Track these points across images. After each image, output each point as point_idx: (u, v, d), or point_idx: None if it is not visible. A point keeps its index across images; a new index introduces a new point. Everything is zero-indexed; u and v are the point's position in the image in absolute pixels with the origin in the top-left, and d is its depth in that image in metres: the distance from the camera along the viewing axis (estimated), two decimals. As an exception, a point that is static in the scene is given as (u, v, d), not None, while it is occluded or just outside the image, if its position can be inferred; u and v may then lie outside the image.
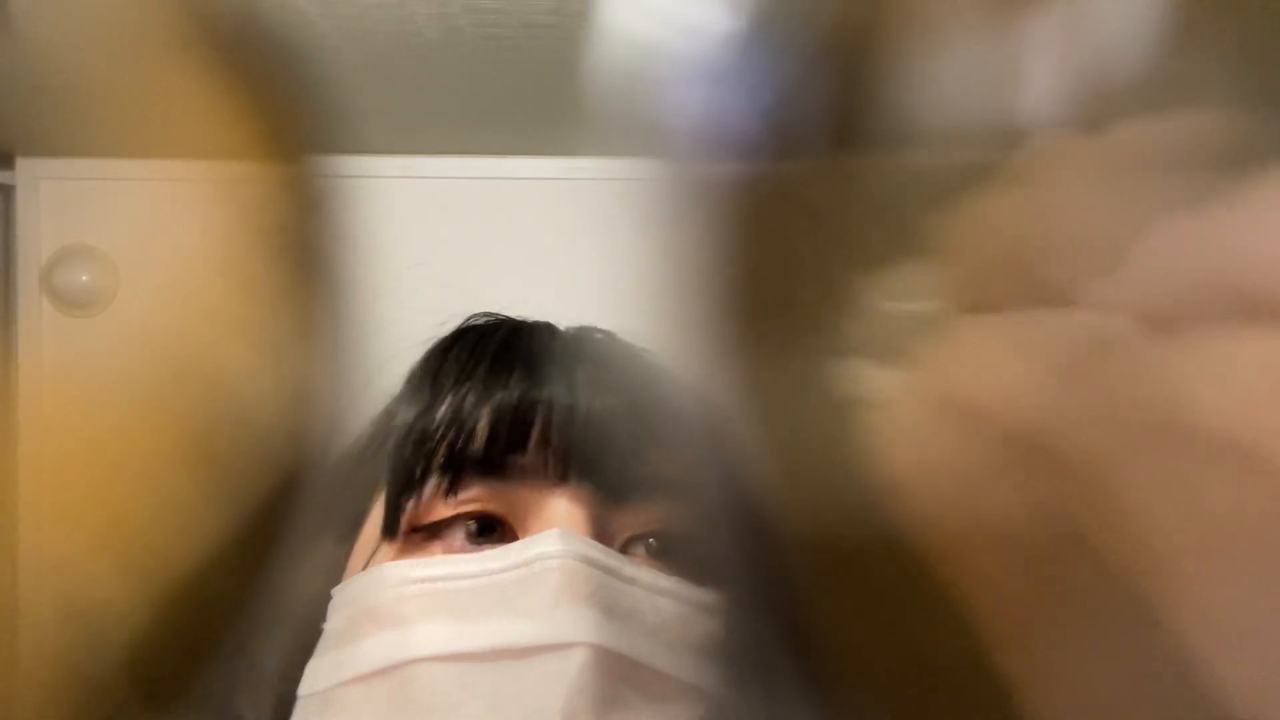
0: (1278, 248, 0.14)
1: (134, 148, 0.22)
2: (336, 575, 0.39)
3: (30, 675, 0.21)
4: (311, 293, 0.23)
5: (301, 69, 0.23)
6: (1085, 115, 0.16)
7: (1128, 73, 0.16)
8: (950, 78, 0.17)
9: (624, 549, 0.38)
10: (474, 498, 0.38)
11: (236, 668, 0.23)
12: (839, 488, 0.19)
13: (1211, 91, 0.16)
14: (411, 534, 0.38)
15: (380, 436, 0.41)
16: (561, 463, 0.38)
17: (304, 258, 0.22)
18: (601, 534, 0.37)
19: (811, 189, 0.19)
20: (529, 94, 1.37)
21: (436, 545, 0.37)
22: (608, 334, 0.43)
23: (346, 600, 0.37)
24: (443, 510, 0.37)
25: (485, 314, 0.44)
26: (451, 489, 0.37)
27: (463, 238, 1.46)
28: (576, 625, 0.34)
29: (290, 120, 0.22)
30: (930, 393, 0.18)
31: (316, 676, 0.36)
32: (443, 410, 0.39)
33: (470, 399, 0.38)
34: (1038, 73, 0.17)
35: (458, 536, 0.37)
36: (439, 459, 0.37)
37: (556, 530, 0.36)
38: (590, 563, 0.35)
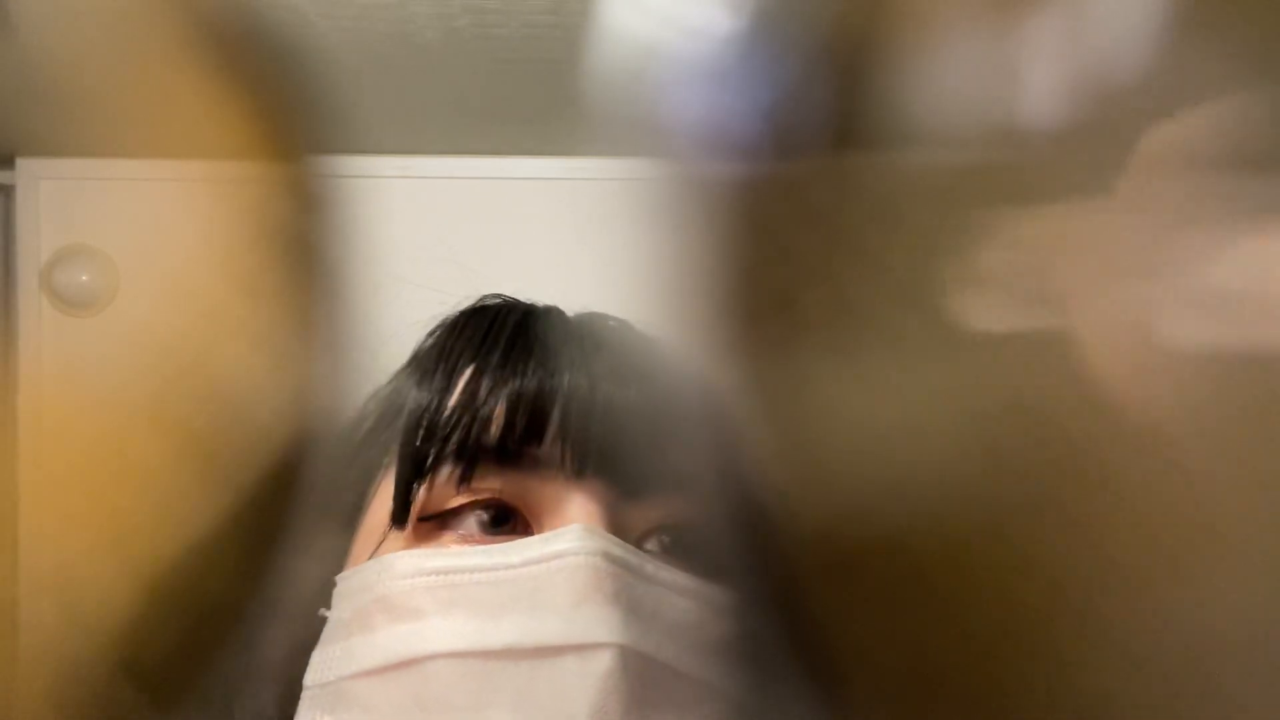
0: None
1: (134, 148, 0.22)
2: (339, 562, 0.38)
3: (30, 674, 0.21)
4: (311, 292, 0.23)
5: (301, 69, 0.23)
6: (1084, 115, 0.16)
7: (1127, 73, 0.16)
8: (950, 78, 0.17)
9: (637, 545, 0.37)
10: (488, 487, 0.36)
11: (239, 662, 0.23)
12: (839, 487, 0.19)
13: (1219, 89, 0.16)
14: (421, 523, 0.36)
15: (386, 419, 0.39)
16: (579, 456, 0.37)
17: (304, 257, 0.22)
18: (617, 529, 0.36)
19: (811, 189, 0.19)
20: (529, 94, 1.37)
21: (448, 535, 0.36)
22: (621, 322, 0.42)
23: (355, 589, 0.36)
24: (455, 499, 0.36)
25: (496, 295, 0.43)
26: (465, 478, 0.36)
27: (463, 238, 1.46)
28: (603, 625, 0.33)
29: (290, 120, 0.22)
30: None
31: (325, 667, 0.35)
32: (456, 395, 0.37)
33: (485, 385, 0.37)
34: (1037, 73, 0.17)
35: (470, 526, 0.36)
36: (452, 446, 0.36)
37: (579, 526, 0.35)
38: (613, 560, 0.34)
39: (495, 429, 0.36)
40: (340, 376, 0.24)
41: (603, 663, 0.32)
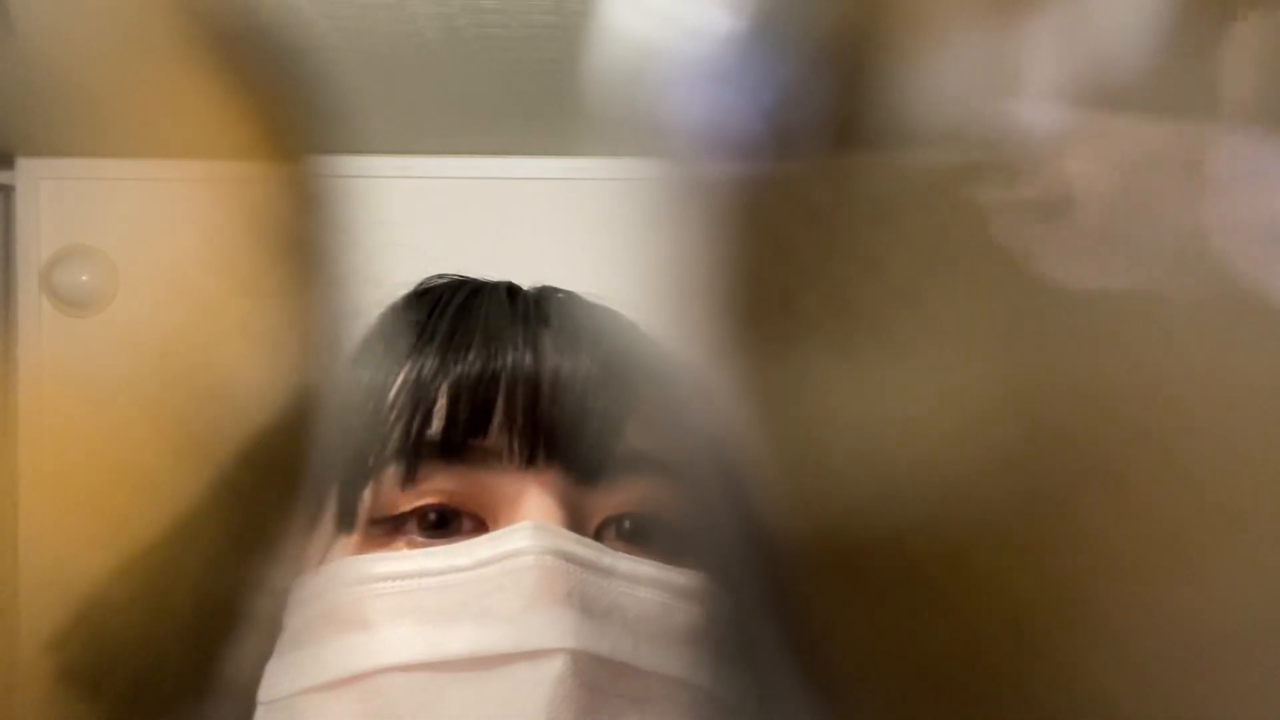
0: None
1: (134, 148, 0.22)
2: (298, 567, 0.35)
3: (30, 674, 0.21)
4: (311, 292, 0.22)
5: (301, 69, 0.23)
6: (1084, 115, 0.16)
7: (1127, 73, 0.16)
8: (950, 78, 0.17)
9: (598, 533, 0.36)
10: (435, 487, 0.34)
11: (210, 672, 0.22)
12: (838, 487, 0.19)
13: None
14: (372, 526, 0.35)
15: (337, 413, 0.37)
16: (529, 445, 0.35)
17: (303, 257, 0.22)
18: (575, 520, 0.35)
19: (812, 189, 0.19)
20: (529, 94, 1.37)
21: (399, 539, 0.34)
22: (569, 293, 0.40)
23: (304, 598, 0.34)
24: (402, 502, 0.34)
25: (440, 275, 0.40)
26: (409, 478, 0.34)
27: (462, 238, 1.46)
28: (552, 629, 0.32)
29: (290, 120, 0.22)
30: None
31: (276, 681, 0.34)
32: (394, 390, 0.35)
33: (426, 373, 0.35)
34: (1037, 72, 0.17)
35: (419, 528, 0.34)
36: (393, 446, 0.34)
37: (529, 523, 0.33)
38: (566, 557, 0.33)
39: (437, 423, 0.34)
40: (340, 375, 0.24)
41: (553, 669, 0.31)
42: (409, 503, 0.34)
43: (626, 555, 0.34)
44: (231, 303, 0.21)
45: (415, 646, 0.32)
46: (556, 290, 0.40)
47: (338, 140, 0.23)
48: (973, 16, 0.17)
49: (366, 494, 0.34)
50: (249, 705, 0.34)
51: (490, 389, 0.35)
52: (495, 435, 0.34)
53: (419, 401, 0.35)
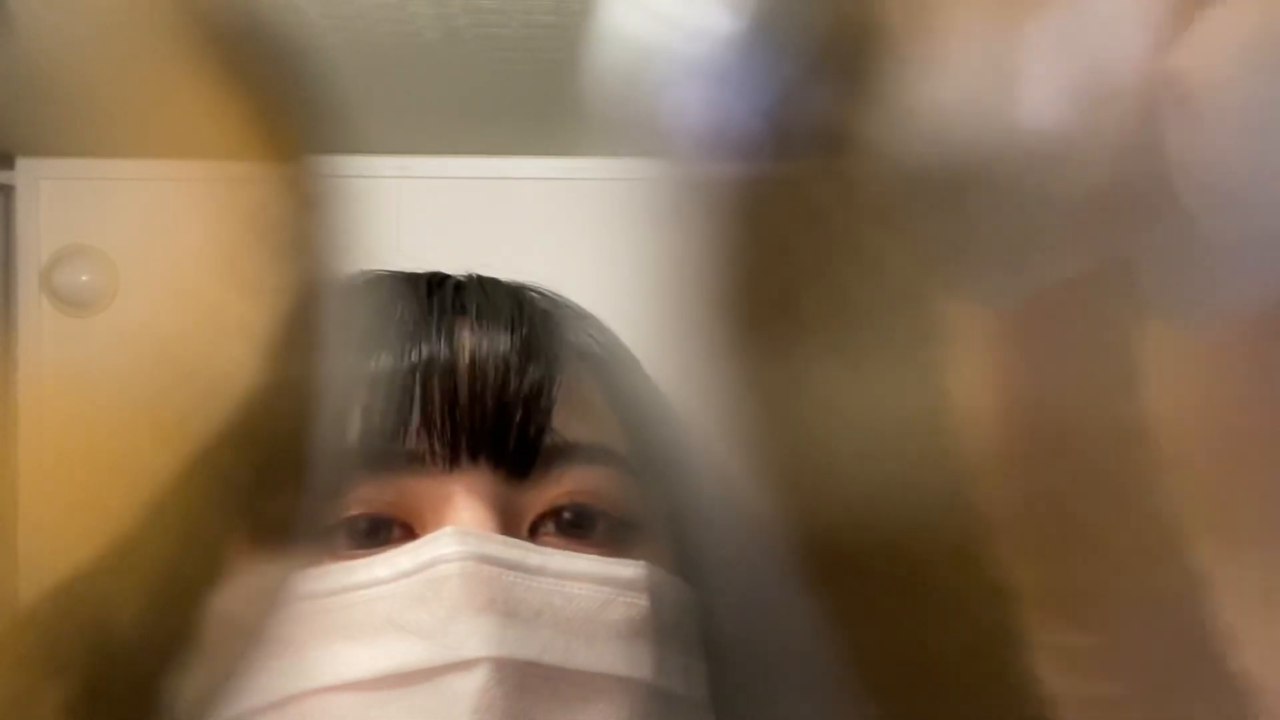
0: None
1: (134, 148, 0.22)
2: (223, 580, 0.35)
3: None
4: (311, 292, 0.23)
5: (301, 69, 0.23)
6: (1084, 116, 0.16)
7: (1127, 74, 0.16)
8: (951, 78, 0.17)
9: (535, 528, 0.34)
10: (359, 497, 0.33)
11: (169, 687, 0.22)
12: (839, 488, 0.19)
13: None
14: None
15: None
16: (450, 446, 0.33)
17: (304, 257, 0.22)
18: (506, 519, 0.33)
19: (812, 189, 0.19)
20: (529, 94, 1.37)
21: (327, 553, 0.33)
22: (494, 279, 0.38)
23: (222, 614, 0.31)
24: (328, 514, 0.32)
25: (367, 270, 0.37)
26: (331, 490, 0.31)
27: (463, 238, 1.46)
28: (474, 638, 0.30)
29: (290, 120, 0.22)
30: None
31: (210, 704, 0.30)
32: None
33: (340, 377, 0.34)
34: (1037, 74, 0.17)
35: (345, 541, 0.33)
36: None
37: (450, 529, 0.32)
38: (491, 561, 0.31)
39: (353, 431, 0.32)
40: (340, 375, 0.24)
41: (476, 680, 0.30)
42: (334, 515, 0.33)
43: (560, 551, 0.33)
44: (232, 303, 0.21)
45: (339, 667, 0.31)
46: (483, 277, 0.39)
47: (338, 140, 0.23)
48: (974, 16, 0.17)
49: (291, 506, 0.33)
50: None
51: (405, 390, 0.33)
52: (415, 438, 0.33)
53: (331, 409, 0.34)
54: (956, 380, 0.18)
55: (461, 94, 1.41)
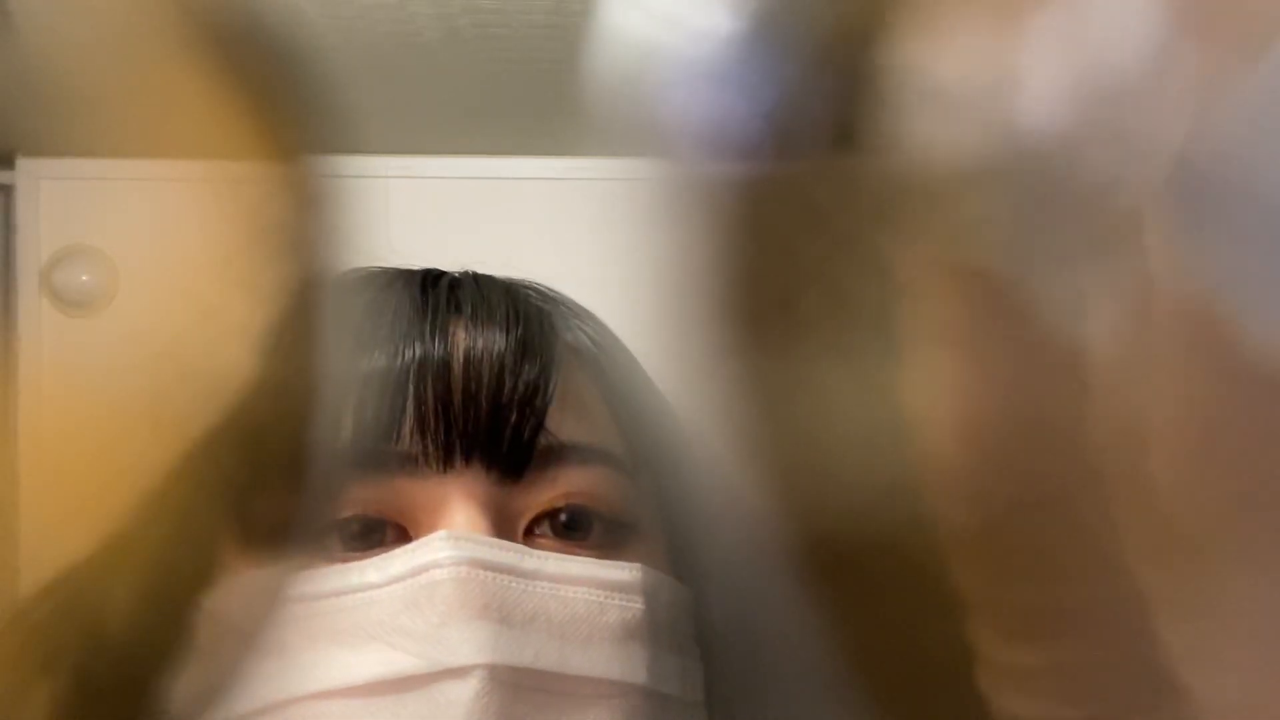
0: None
1: (134, 148, 0.22)
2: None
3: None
4: (309, 292, 0.23)
5: (301, 69, 0.23)
6: (1085, 116, 0.16)
7: (1127, 74, 0.16)
8: (951, 78, 0.17)
9: (530, 529, 0.34)
10: (353, 498, 0.33)
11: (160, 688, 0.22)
12: (840, 488, 0.19)
13: None
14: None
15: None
16: (444, 447, 0.33)
17: (304, 257, 0.22)
18: (500, 521, 0.33)
19: (812, 189, 0.19)
20: (529, 94, 1.37)
21: (320, 555, 0.32)
22: (490, 277, 0.38)
23: (214, 615, 0.32)
24: (321, 515, 0.32)
25: (360, 268, 0.37)
26: (325, 491, 0.30)
27: (462, 238, 1.46)
28: (468, 644, 0.30)
29: (290, 120, 0.22)
30: None
31: (203, 707, 0.30)
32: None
33: (334, 377, 0.34)
34: (1038, 74, 0.17)
35: (338, 544, 0.33)
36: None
37: (443, 533, 0.32)
38: (484, 565, 0.31)
39: (346, 431, 0.32)
40: (340, 375, 0.24)
41: (470, 687, 0.30)
42: (327, 516, 0.32)
43: (555, 554, 0.33)
44: (232, 303, 0.21)
45: (332, 672, 0.31)
46: (478, 275, 0.38)
47: (338, 140, 0.23)
48: (975, 17, 0.17)
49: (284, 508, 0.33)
50: None
51: (398, 389, 0.33)
52: (408, 439, 0.33)
53: (326, 409, 0.34)
54: (955, 381, 0.18)
55: (461, 94, 1.41)
